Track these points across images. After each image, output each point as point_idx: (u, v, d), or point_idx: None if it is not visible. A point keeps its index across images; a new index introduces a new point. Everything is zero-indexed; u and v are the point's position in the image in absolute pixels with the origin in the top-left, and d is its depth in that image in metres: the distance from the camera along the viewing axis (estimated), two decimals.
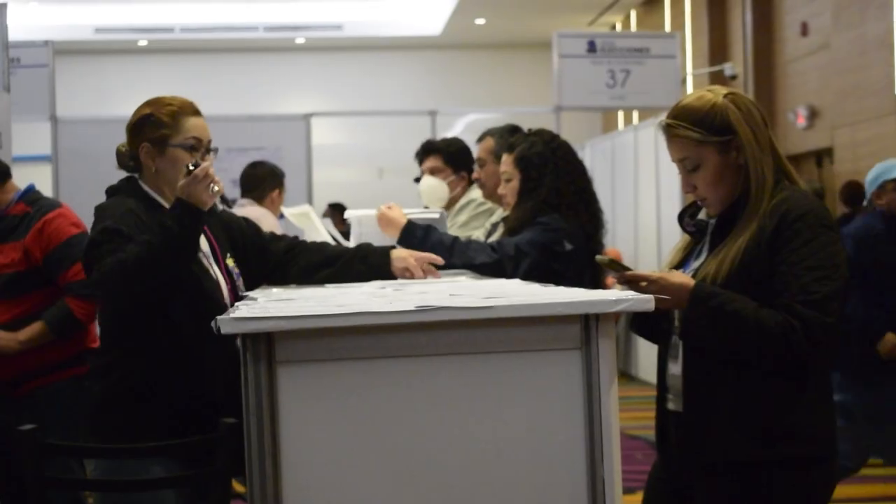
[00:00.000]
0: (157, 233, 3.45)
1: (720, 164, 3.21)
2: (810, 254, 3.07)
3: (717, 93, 3.25)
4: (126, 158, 3.85)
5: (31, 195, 5.29)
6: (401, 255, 3.81)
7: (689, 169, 3.26)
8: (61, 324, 5.11)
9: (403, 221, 4.36)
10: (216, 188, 3.52)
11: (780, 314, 3.00)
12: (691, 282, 3.10)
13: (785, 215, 3.11)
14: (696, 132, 3.20)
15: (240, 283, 3.77)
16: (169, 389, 3.54)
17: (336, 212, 11.67)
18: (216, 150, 3.86)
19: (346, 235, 6.15)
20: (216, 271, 3.72)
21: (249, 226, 4.00)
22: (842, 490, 8.26)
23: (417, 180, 7.09)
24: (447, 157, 6.09)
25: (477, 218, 5.70)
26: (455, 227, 5.73)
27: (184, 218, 3.45)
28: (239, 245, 3.89)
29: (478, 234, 5.34)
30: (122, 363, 3.63)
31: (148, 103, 3.87)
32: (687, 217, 3.40)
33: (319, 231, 5.79)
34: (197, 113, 3.86)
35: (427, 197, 6.10)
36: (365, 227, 4.60)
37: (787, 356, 3.04)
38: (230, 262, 3.80)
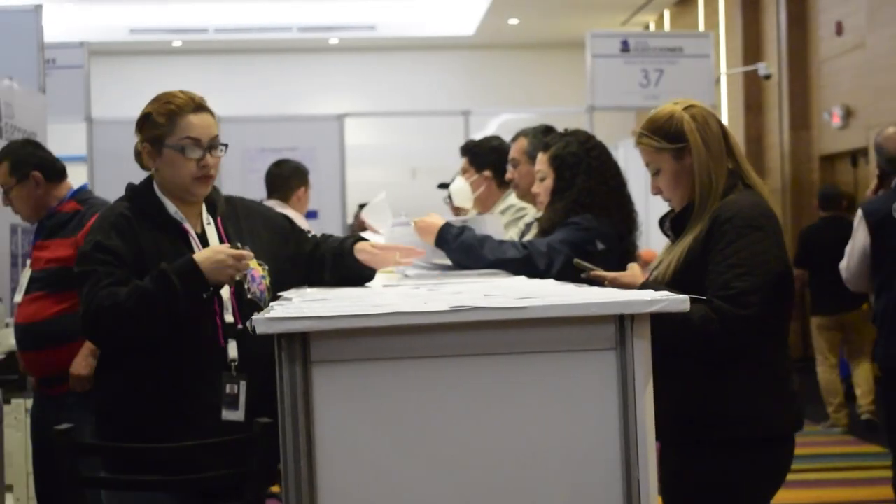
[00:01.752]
0: (152, 271, 3.54)
1: (676, 168, 3.60)
2: (733, 253, 3.38)
3: (680, 105, 3.64)
4: (138, 157, 3.88)
5: (83, 194, 5.46)
6: (362, 246, 3.88)
7: (652, 173, 3.67)
8: None
9: (440, 223, 4.38)
10: (238, 276, 3.59)
11: (703, 308, 3.29)
12: (639, 281, 3.48)
13: (716, 218, 3.45)
14: (654, 140, 3.62)
15: (256, 286, 3.74)
16: (143, 401, 3.63)
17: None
18: (225, 146, 3.85)
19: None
20: None
21: (290, 231, 4.02)
22: (847, 493, 8.23)
23: (442, 185, 7.12)
24: (471, 157, 6.15)
25: (515, 224, 5.71)
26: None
27: (191, 285, 3.51)
28: (276, 251, 3.89)
29: (511, 234, 5.34)
30: (103, 375, 3.80)
31: (153, 100, 3.89)
32: (667, 221, 3.73)
33: (386, 221, 5.81)
34: (200, 109, 3.81)
35: (456, 199, 6.16)
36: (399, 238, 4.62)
37: (707, 346, 3.35)
38: (253, 264, 3.76)
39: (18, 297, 5.31)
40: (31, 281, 5.22)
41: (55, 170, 5.44)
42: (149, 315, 3.49)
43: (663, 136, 3.60)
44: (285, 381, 2.24)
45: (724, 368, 3.43)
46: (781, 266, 3.46)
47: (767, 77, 14.44)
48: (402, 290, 3.03)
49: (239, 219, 3.92)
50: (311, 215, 7.66)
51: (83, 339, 5.09)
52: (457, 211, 6.42)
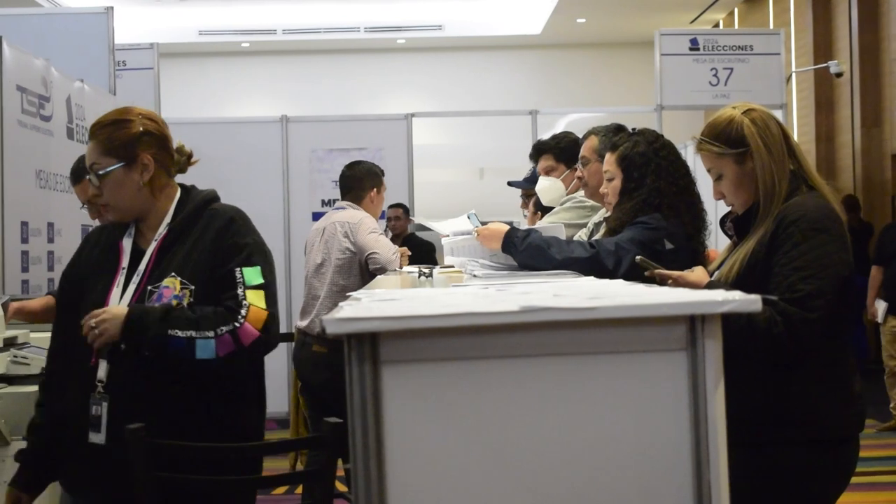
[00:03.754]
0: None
1: (738, 173, 3.60)
2: (798, 255, 3.39)
3: (739, 109, 3.64)
4: None
5: None
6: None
7: (714, 179, 3.68)
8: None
9: (505, 229, 4.38)
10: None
11: (768, 310, 3.29)
12: (704, 281, 3.51)
13: (781, 220, 3.46)
14: (715, 146, 3.61)
15: (160, 303, 3.68)
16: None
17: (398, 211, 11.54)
18: (95, 175, 3.79)
19: (403, 238, 6.22)
20: (123, 287, 3.73)
21: (227, 260, 3.77)
22: (852, 497, 8.17)
23: (510, 184, 7.11)
24: (558, 153, 6.12)
25: (570, 210, 5.69)
26: (547, 217, 5.74)
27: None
28: (213, 272, 3.74)
29: (581, 234, 5.33)
30: None
31: (155, 118, 3.96)
32: (728, 222, 3.76)
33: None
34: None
35: (545, 198, 6.12)
36: (458, 249, 4.65)
37: (771, 348, 3.35)
38: (170, 282, 3.70)
39: None
40: None
41: None
42: None
43: (724, 141, 3.60)
44: (354, 381, 2.24)
45: (788, 370, 3.44)
46: (846, 268, 3.45)
47: (839, 75, 14.30)
48: (470, 290, 3.03)
49: (188, 233, 3.80)
50: (380, 215, 7.68)
51: None
52: (534, 210, 6.40)
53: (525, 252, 4.30)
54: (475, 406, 2.28)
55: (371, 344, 2.24)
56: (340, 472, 5.09)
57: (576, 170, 5.89)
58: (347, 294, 4.14)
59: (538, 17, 18.60)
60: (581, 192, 5.70)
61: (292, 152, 11.57)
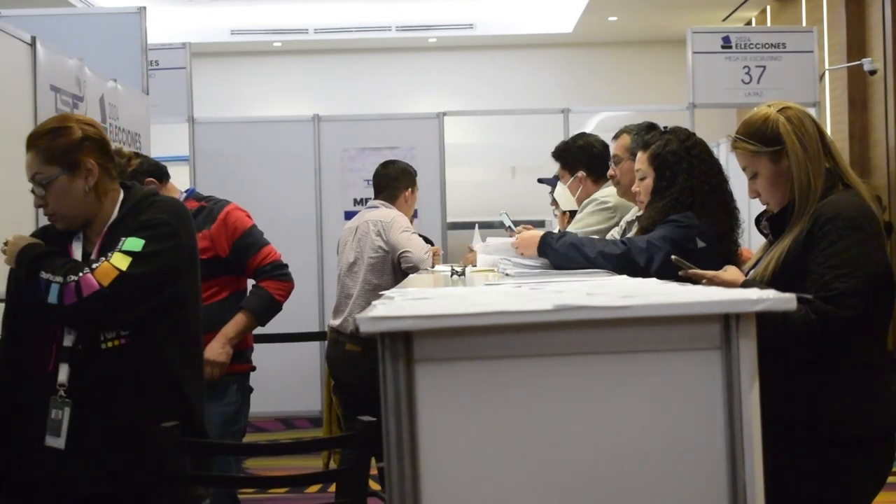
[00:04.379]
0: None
1: (773, 171, 3.60)
2: (834, 254, 3.37)
3: (774, 107, 3.63)
4: None
5: (197, 194, 5.65)
6: None
7: (749, 177, 3.68)
8: (264, 309, 5.45)
9: (539, 235, 4.41)
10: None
11: (803, 309, 3.28)
12: (739, 280, 3.49)
13: (817, 219, 3.45)
14: (751, 144, 3.61)
15: None
16: None
17: None
18: (39, 185, 3.81)
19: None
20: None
21: None
22: (889, 497, 8.08)
23: (540, 181, 7.18)
24: (562, 161, 6.21)
25: (593, 215, 5.73)
26: (572, 225, 5.78)
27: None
28: None
29: (613, 233, 5.34)
30: None
31: (95, 125, 3.94)
32: (764, 220, 3.75)
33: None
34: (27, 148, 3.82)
35: (562, 204, 6.22)
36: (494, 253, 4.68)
37: (806, 346, 3.37)
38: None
39: None
40: None
41: (163, 172, 5.61)
42: None
43: (759, 139, 3.60)
44: (388, 379, 2.24)
45: (822, 368, 3.43)
46: (881, 267, 3.44)
47: (873, 72, 14.20)
48: (503, 289, 3.03)
49: (122, 226, 3.84)
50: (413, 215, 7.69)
51: (218, 329, 5.24)
52: (562, 210, 6.46)
53: (560, 252, 4.31)
54: (508, 404, 2.28)
55: (405, 342, 2.24)
56: (373, 471, 5.10)
57: (579, 177, 5.98)
58: (380, 293, 4.15)
59: (570, 16, 18.56)
60: (600, 193, 5.75)
61: (324, 151, 11.58)
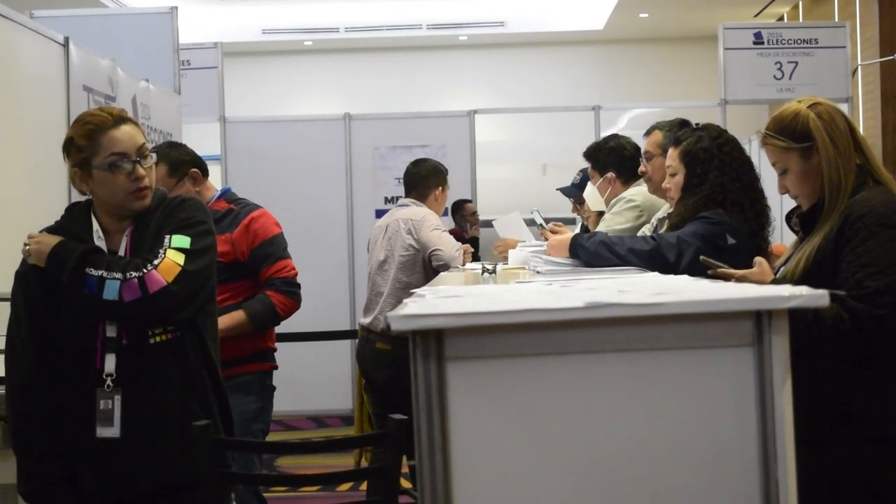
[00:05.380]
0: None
1: (804, 167, 3.57)
2: (866, 251, 3.35)
3: (804, 103, 3.60)
4: (72, 182, 3.85)
5: (231, 194, 5.66)
6: None
7: (780, 173, 3.65)
8: (262, 316, 5.42)
9: (570, 237, 4.41)
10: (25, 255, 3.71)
11: (835, 307, 3.24)
12: (769, 278, 3.48)
13: (848, 216, 3.42)
14: (781, 140, 3.58)
15: None
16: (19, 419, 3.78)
17: (460, 208, 11.54)
18: (154, 153, 3.82)
19: (463, 237, 6.28)
20: None
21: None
22: None
23: (559, 190, 7.21)
24: (593, 161, 6.22)
25: (620, 214, 5.73)
26: (601, 225, 5.79)
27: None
28: None
29: (645, 230, 5.34)
30: None
31: (73, 124, 3.84)
32: (794, 217, 3.72)
33: (521, 234, 5.94)
34: (120, 123, 3.74)
35: (590, 204, 6.24)
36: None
37: (839, 345, 3.32)
38: None
39: None
40: None
41: (205, 168, 5.63)
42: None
43: (789, 135, 3.57)
44: (419, 377, 2.24)
45: (856, 367, 3.40)
46: None
47: None
48: (535, 287, 3.03)
49: (152, 222, 3.83)
50: (443, 213, 7.70)
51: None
52: (587, 215, 6.48)
53: (590, 251, 4.31)
54: (540, 402, 2.28)
55: (436, 340, 2.24)
56: (405, 469, 5.10)
57: (608, 178, 6.00)
58: (411, 291, 4.16)
59: (600, 13, 18.53)
60: (628, 193, 5.76)
61: (355, 150, 11.60)
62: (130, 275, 3.56)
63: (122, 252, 3.73)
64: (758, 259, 3.62)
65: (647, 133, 5.48)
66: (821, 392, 3.38)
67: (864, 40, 15.74)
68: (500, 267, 4.86)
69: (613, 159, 6.10)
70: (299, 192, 10.97)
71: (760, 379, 2.29)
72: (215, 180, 9.13)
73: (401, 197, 7.53)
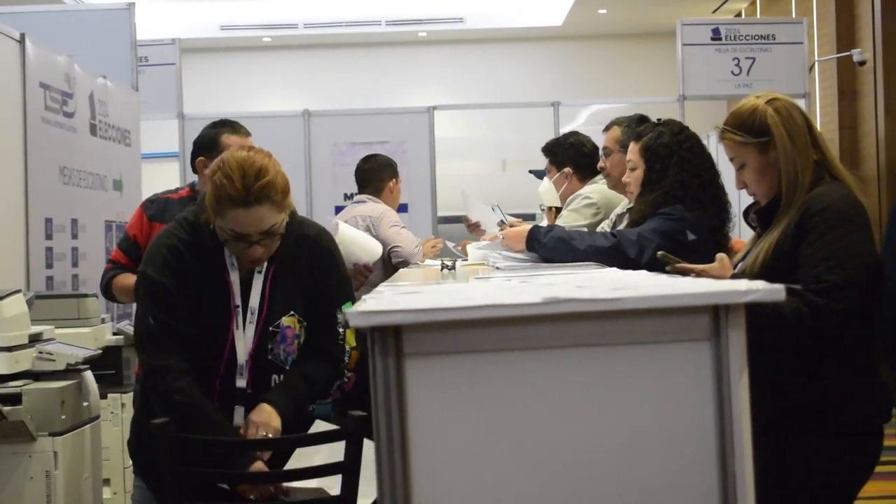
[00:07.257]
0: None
1: (761, 162, 3.58)
2: (823, 245, 3.36)
3: (762, 98, 3.61)
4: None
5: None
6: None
7: (737, 168, 3.66)
8: None
9: (527, 229, 4.42)
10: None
11: (795, 302, 3.25)
12: (728, 273, 3.48)
13: (806, 211, 3.43)
14: (738, 135, 3.59)
15: (284, 347, 3.78)
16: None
17: None
18: (281, 235, 3.76)
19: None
20: (244, 329, 3.72)
21: (334, 297, 3.93)
22: (876, 486, 8.13)
23: (531, 172, 7.22)
24: (550, 156, 6.23)
25: (578, 212, 5.75)
26: (557, 221, 5.80)
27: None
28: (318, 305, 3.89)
29: (604, 225, 5.35)
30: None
31: (217, 164, 3.76)
32: (752, 213, 3.73)
33: (489, 219, 5.91)
34: (251, 203, 3.63)
35: (545, 199, 6.24)
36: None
37: (798, 339, 3.35)
38: (290, 321, 3.77)
39: None
40: None
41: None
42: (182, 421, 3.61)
43: (747, 130, 3.59)
44: (378, 374, 2.24)
45: (814, 361, 3.43)
46: (871, 258, 3.43)
47: (862, 63, 14.23)
48: (494, 283, 3.03)
49: (297, 266, 3.85)
50: (401, 209, 7.68)
51: None
52: (548, 206, 6.48)
53: (549, 245, 4.31)
54: (499, 398, 2.28)
55: (394, 337, 2.24)
56: None
57: (565, 173, 6.01)
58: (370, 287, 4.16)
59: (559, 9, 18.56)
60: (585, 190, 5.78)
61: (314, 146, 11.58)
62: (334, 390, 3.87)
63: (256, 294, 3.73)
64: (719, 255, 3.63)
65: (606, 129, 5.50)
66: (779, 386, 3.40)
67: (821, 36, 15.84)
68: (459, 263, 4.86)
69: (572, 155, 6.12)
70: None
71: (718, 373, 2.30)
72: (173, 177, 9.10)
73: (355, 194, 7.52)
